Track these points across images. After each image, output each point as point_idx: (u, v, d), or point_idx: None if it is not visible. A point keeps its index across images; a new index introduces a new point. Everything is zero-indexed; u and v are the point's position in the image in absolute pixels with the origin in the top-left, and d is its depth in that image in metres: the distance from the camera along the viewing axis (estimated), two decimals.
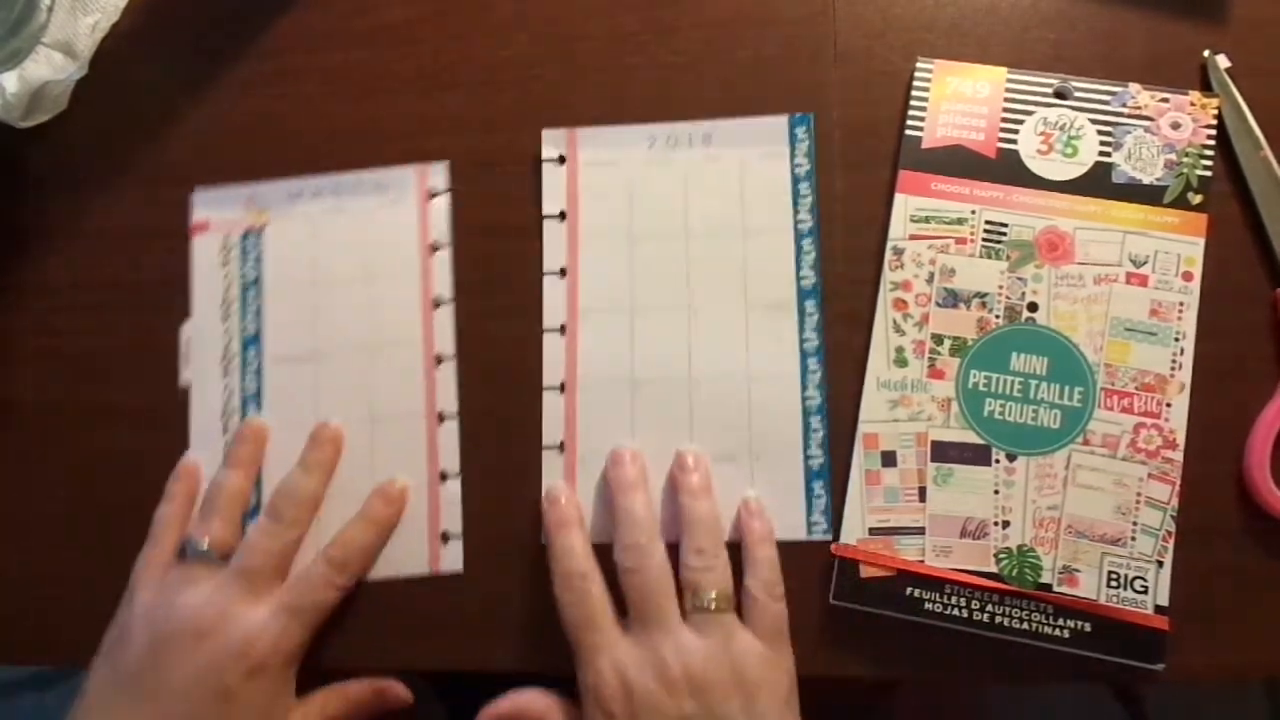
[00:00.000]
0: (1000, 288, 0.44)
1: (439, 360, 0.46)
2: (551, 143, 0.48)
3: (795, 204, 0.46)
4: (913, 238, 0.44)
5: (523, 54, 0.49)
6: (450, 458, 0.46)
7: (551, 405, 0.46)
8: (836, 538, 0.43)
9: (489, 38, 0.49)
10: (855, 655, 0.42)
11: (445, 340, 0.47)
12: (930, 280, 0.44)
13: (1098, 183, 0.44)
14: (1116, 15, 0.46)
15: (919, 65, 0.46)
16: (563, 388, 0.46)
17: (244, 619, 0.41)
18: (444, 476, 0.45)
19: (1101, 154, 0.44)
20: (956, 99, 0.45)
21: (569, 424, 0.45)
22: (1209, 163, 0.44)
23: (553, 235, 0.47)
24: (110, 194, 0.50)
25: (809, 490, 0.44)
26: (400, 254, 0.47)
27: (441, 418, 0.46)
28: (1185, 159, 0.44)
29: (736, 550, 0.42)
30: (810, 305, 0.45)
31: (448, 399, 0.46)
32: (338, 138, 0.49)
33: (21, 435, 0.48)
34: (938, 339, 0.44)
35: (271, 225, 0.48)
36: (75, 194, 0.50)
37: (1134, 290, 0.43)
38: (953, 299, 0.44)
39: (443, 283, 0.47)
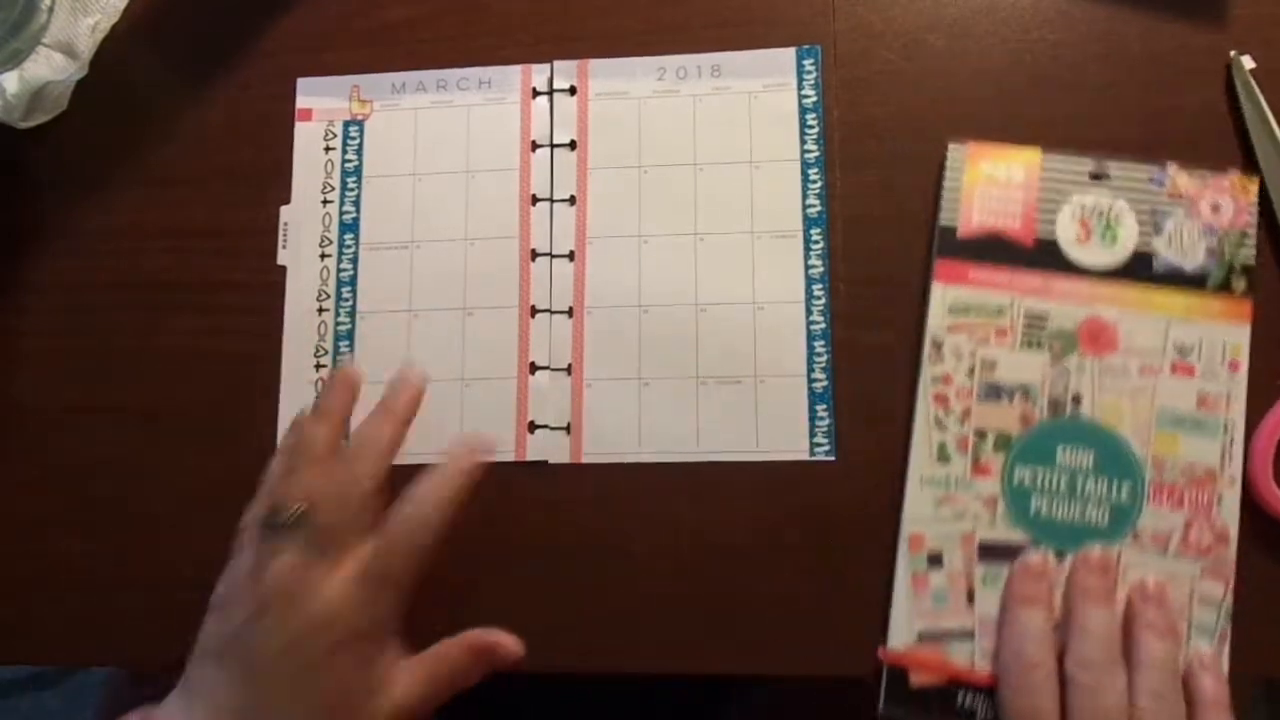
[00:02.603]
0: (1043, 380, 0.43)
1: (534, 255, 0.47)
2: (562, 73, 0.48)
3: (802, 135, 0.47)
4: (951, 329, 0.43)
5: (524, 53, 0.49)
6: (540, 350, 0.46)
7: (559, 329, 0.46)
8: (883, 638, 0.41)
9: (489, 37, 0.49)
10: None
11: (541, 236, 0.47)
12: (971, 373, 0.43)
13: (1139, 269, 0.43)
14: (1116, 15, 0.46)
15: (950, 150, 0.45)
16: (570, 312, 0.47)
17: (323, 590, 0.39)
18: (534, 368, 0.46)
19: (1141, 239, 0.43)
20: (990, 184, 0.44)
21: (576, 348, 0.46)
22: (1250, 247, 0.43)
23: (562, 164, 0.48)
24: (110, 194, 0.50)
25: (812, 413, 0.45)
26: (501, 150, 0.48)
27: (534, 311, 0.47)
28: (1227, 243, 0.43)
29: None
30: (815, 233, 0.46)
31: (541, 293, 0.47)
32: None
33: (22, 435, 0.48)
34: (980, 434, 0.42)
35: (374, 116, 0.49)
36: (75, 194, 0.50)
37: (1180, 381, 0.42)
38: (995, 392, 0.43)
39: (541, 180, 0.48)
